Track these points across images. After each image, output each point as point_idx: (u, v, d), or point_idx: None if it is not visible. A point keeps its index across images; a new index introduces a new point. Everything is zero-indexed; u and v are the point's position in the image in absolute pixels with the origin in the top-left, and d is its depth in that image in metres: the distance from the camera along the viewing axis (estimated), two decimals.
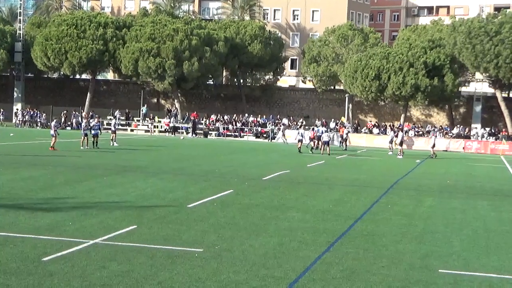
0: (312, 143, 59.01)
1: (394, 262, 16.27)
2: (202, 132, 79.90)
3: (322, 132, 58.46)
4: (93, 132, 49.11)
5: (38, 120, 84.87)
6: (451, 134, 77.06)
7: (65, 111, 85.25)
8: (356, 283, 14.27)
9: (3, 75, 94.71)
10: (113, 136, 54.53)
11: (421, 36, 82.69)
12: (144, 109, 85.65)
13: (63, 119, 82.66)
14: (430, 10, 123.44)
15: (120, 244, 16.78)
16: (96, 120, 53.62)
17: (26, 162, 36.37)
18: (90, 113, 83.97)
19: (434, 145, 59.79)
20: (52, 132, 45.70)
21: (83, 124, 52.01)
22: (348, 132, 69.74)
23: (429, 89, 75.83)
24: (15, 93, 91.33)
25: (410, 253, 17.36)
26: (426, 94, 76.38)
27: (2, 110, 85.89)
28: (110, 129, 58.05)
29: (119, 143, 54.32)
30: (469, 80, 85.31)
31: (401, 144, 58.36)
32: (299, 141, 57.74)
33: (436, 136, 69.66)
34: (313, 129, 62.64)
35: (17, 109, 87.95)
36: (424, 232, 20.63)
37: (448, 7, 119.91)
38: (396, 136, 61.11)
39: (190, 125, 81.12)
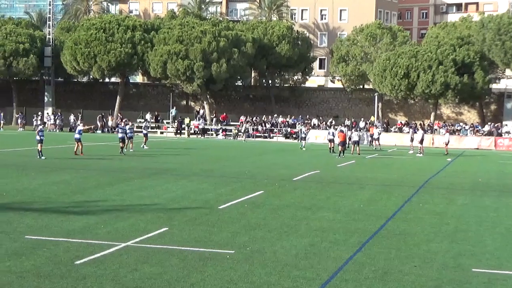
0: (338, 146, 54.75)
1: (426, 262, 16.17)
2: (231, 134, 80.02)
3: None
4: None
5: (62, 123, 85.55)
6: (482, 132, 76.48)
7: (78, 113, 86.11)
8: (388, 283, 14.20)
9: (33, 80, 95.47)
10: (145, 139, 54.68)
11: (450, 33, 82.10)
12: (173, 111, 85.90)
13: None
14: (458, 7, 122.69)
15: (151, 246, 16.84)
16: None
17: (58, 166, 36.66)
18: (119, 116, 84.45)
19: (448, 142, 59.47)
20: (77, 136, 45.09)
21: (127, 127, 51.94)
22: (380, 133, 68.19)
23: (459, 87, 75.30)
24: (45, 98, 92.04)
25: (442, 252, 17.25)
26: (456, 91, 75.85)
27: (40, 114, 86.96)
28: (141, 132, 58.16)
29: (148, 145, 54.52)
30: (500, 76, 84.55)
31: (421, 142, 57.80)
32: (329, 141, 56.80)
33: (449, 133, 68.42)
34: (341, 130, 58.55)
35: (47, 113, 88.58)
36: (456, 231, 20.49)
37: (477, 4, 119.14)
38: (415, 133, 60.72)
39: (219, 126, 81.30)
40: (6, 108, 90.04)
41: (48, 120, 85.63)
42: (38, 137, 41.68)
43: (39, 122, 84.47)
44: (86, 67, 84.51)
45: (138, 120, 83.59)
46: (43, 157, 40.50)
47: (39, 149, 41.10)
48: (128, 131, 50.62)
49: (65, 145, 52.90)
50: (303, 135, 62.41)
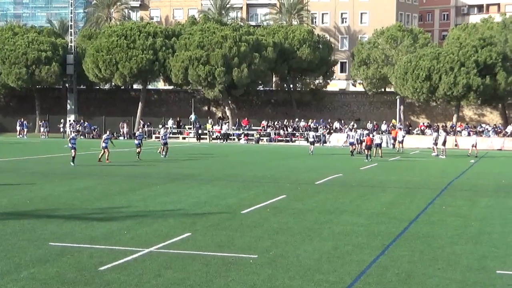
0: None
1: (450, 264, 16.11)
2: (253, 138, 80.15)
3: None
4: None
5: (89, 130, 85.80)
6: (505, 133, 76.03)
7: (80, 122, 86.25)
8: (412, 286, 14.17)
9: (56, 88, 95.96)
10: (162, 148, 53.71)
11: (472, 34, 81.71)
12: (192, 116, 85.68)
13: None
14: (480, 8, 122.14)
15: (175, 252, 16.90)
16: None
17: (81, 172, 36.85)
18: (141, 123, 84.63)
19: (475, 144, 58.95)
20: (103, 144, 45.02)
21: (162, 133, 52.04)
22: (404, 135, 67.49)
23: (481, 88, 74.97)
24: (68, 105, 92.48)
25: (466, 255, 17.17)
26: (478, 93, 75.53)
27: (44, 122, 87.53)
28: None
29: (169, 152, 54.13)
30: None
31: (443, 144, 57.49)
32: (351, 144, 57.31)
33: (476, 135, 67.78)
34: (368, 134, 58.97)
35: (69, 121, 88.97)
36: (480, 233, 20.39)
37: (498, 5, 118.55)
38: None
39: (241, 131, 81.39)
40: (29, 116, 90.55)
41: (70, 127, 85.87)
42: (70, 145, 41.89)
43: (67, 129, 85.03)
44: (108, 74, 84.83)
45: (160, 126, 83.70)
46: (72, 164, 40.64)
47: (73, 155, 41.30)
48: (163, 137, 51.16)
49: (88, 152, 53.16)
50: (311, 139, 61.81)
